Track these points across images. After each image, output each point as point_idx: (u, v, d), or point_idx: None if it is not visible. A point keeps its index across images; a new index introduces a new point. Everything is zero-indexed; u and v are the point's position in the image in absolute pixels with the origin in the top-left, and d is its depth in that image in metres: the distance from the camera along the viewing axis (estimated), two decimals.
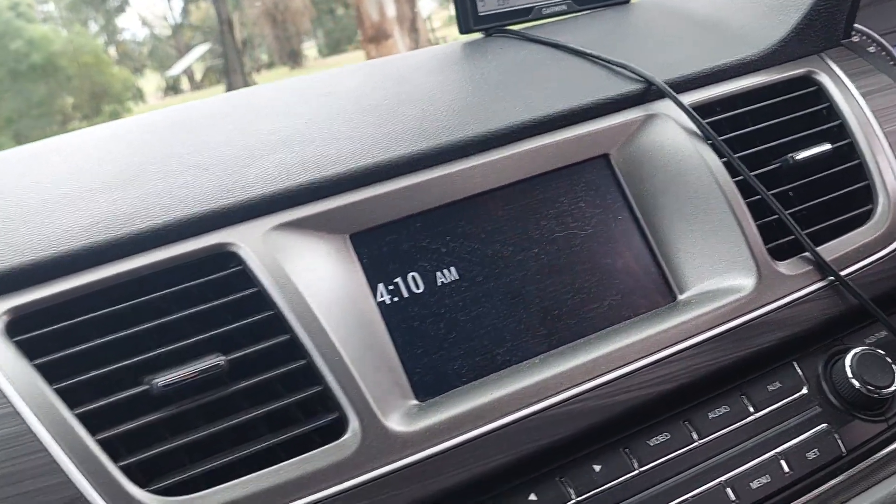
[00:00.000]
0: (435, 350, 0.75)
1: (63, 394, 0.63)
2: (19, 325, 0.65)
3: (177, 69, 36.17)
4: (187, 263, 0.70)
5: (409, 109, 0.87)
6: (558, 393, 0.74)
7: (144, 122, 0.95)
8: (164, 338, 0.68)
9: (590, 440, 0.76)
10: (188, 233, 0.71)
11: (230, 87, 24.76)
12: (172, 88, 40.38)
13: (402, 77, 0.97)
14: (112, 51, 27.22)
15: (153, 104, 32.84)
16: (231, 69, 24.10)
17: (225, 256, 0.71)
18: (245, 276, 0.70)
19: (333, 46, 41.39)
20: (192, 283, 0.69)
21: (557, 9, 1.15)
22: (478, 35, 1.12)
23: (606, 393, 0.76)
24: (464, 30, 1.10)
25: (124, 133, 0.91)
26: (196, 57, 35.80)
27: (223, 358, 0.67)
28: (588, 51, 0.96)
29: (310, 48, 30.92)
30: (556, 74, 0.94)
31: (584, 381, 0.75)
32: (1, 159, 0.90)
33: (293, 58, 32.78)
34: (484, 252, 0.80)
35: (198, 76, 40.08)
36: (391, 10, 16.48)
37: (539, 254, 0.81)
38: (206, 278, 0.70)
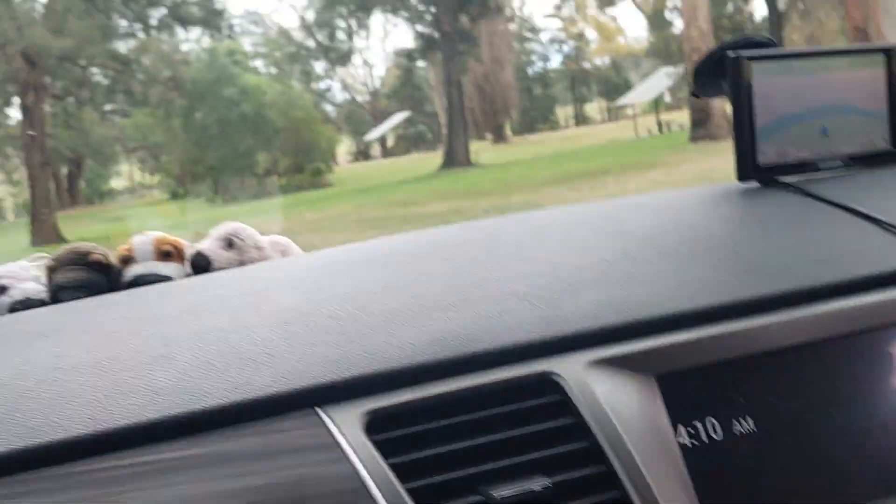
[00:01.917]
0: (732, 499, 0.77)
1: (414, 493, 0.69)
2: (375, 425, 0.72)
3: (374, 134, 36.94)
4: (512, 387, 0.76)
5: (706, 258, 0.92)
6: None
7: (450, 239, 1.07)
8: (491, 452, 0.73)
9: None
10: (514, 358, 0.78)
11: (451, 154, 24.53)
12: (363, 153, 41.35)
13: (692, 223, 1.03)
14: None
15: (343, 166, 33.39)
16: (454, 135, 23.77)
17: (547, 384, 0.77)
18: (565, 405, 0.76)
19: (528, 125, 41.12)
20: (517, 405, 0.75)
21: (833, 164, 1.18)
22: (754, 183, 1.15)
23: None
24: (742, 178, 1.14)
25: (435, 248, 1.03)
26: (393, 124, 36.48)
27: (549, 480, 0.71)
28: (879, 217, 0.99)
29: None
30: (846, 236, 0.97)
31: None
32: (322, 260, 1.07)
33: (497, 132, 32.55)
34: (781, 407, 0.82)
35: (389, 143, 40.63)
36: None
37: (835, 415, 0.83)
38: (528, 402, 0.76)
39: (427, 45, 26.59)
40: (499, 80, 31.63)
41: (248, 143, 24.66)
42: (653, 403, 0.78)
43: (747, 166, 1.13)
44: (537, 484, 0.70)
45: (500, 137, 33.05)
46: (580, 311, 0.83)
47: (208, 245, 1.20)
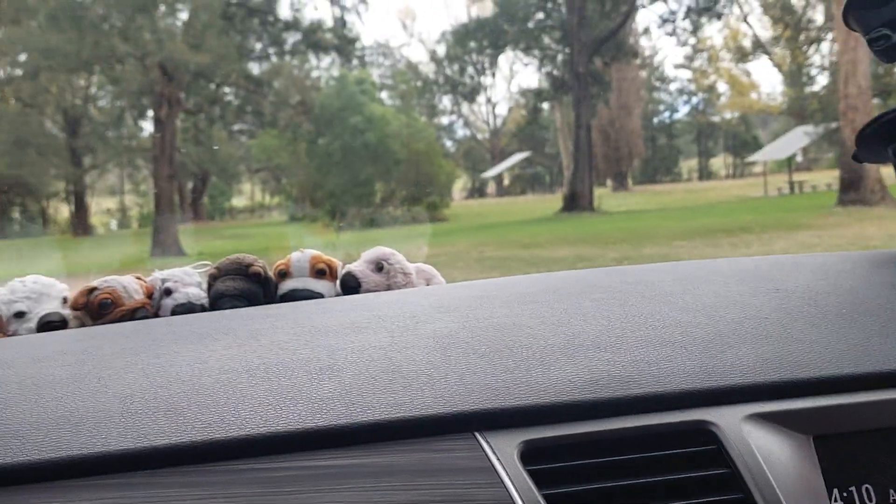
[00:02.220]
0: None
1: None
2: (530, 455, 0.74)
3: (492, 172, 36.52)
4: (668, 433, 0.77)
5: (868, 323, 0.91)
6: None
7: (601, 281, 1.08)
8: (643, 495, 0.73)
9: None
10: (671, 405, 0.78)
11: (573, 198, 23.92)
12: (477, 190, 40.98)
13: (852, 287, 1.01)
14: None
15: (458, 202, 32.85)
16: (578, 179, 23.06)
17: (701, 433, 0.77)
18: (719, 456, 0.76)
19: (649, 175, 39.88)
20: (672, 451, 0.76)
21: None
22: None
23: None
24: None
25: (587, 288, 1.04)
26: (512, 163, 35.95)
27: None
28: None
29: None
30: None
31: None
32: (474, 291, 1.09)
33: (618, 179, 31.56)
34: None
35: (505, 182, 40.03)
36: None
37: None
38: (684, 450, 0.76)
39: (559, 86, 25.91)
40: (624, 126, 30.70)
41: (368, 172, 24.46)
42: (808, 463, 0.77)
43: None
44: None
45: (620, 185, 31.96)
46: (739, 365, 0.82)
47: (359, 267, 1.26)
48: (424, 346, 0.88)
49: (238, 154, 28.13)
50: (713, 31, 41.37)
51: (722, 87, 39.07)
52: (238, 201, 35.90)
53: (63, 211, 28.82)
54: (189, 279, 1.25)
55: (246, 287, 1.21)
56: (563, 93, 25.90)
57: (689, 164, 42.50)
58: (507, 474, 0.71)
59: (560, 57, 26.16)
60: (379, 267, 1.26)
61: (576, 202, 22.76)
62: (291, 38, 24.43)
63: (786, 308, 0.94)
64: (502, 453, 0.72)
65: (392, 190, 25.75)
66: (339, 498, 0.68)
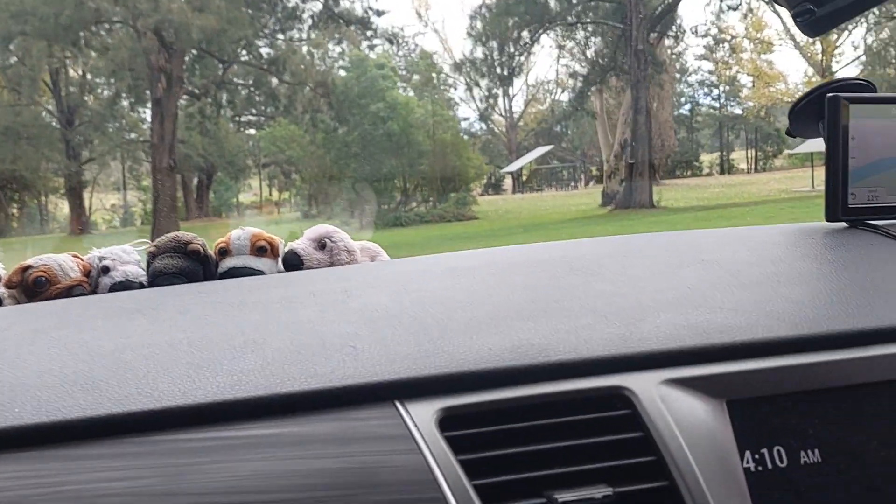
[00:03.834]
0: None
1: (480, 490, 0.70)
2: (448, 422, 0.74)
3: (513, 167, 33.28)
4: (584, 398, 0.77)
5: (787, 291, 0.92)
6: None
7: (535, 256, 1.08)
8: (556, 459, 0.74)
9: None
10: (589, 371, 0.78)
11: (629, 192, 20.38)
12: (493, 186, 37.54)
13: (776, 257, 1.02)
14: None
15: (478, 198, 29.32)
16: (636, 170, 19.59)
17: (618, 398, 0.77)
18: (633, 420, 0.76)
19: (669, 170, 36.25)
20: (587, 416, 0.76)
21: None
22: (841, 224, 1.16)
23: None
24: (830, 218, 1.13)
25: (521, 263, 1.04)
26: (533, 158, 32.71)
27: (611, 490, 0.72)
28: None
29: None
30: None
31: None
32: (411, 267, 1.07)
33: (650, 172, 28.24)
34: (850, 441, 0.81)
35: (523, 178, 36.48)
36: None
37: None
38: (598, 414, 0.76)
39: (608, 67, 22.61)
40: (657, 117, 27.34)
41: (390, 165, 21.18)
42: (721, 427, 0.77)
43: (837, 208, 1.11)
44: (599, 492, 0.71)
45: (651, 178, 28.67)
46: (657, 332, 0.83)
47: (302, 244, 1.23)
48: (352, 320, 0.88)
49: (246, 148, 25.12)
50: (734, 21, 38.27)
51: (745, 79, 36.03)
52: (245, 197, 32.96)
53: (63, 207, 26.15)
54: (128, 257, 1.21)
55: (185, 265, 1.18)
56: (614, 74, 22.61)
57: (708, 158, 39.62)
58: (425, 441, 0.70)
59: (604, 36, 22.91)
60: (322, 244, 1.22)
61: (631, 198, 19.67)
62: (311, 10, 20.98)
63: (709, 277, 0.95)
64: (420, 421, 0.72)
65: (416, 184, 22.62)
66: (254, 467, 0.68)
